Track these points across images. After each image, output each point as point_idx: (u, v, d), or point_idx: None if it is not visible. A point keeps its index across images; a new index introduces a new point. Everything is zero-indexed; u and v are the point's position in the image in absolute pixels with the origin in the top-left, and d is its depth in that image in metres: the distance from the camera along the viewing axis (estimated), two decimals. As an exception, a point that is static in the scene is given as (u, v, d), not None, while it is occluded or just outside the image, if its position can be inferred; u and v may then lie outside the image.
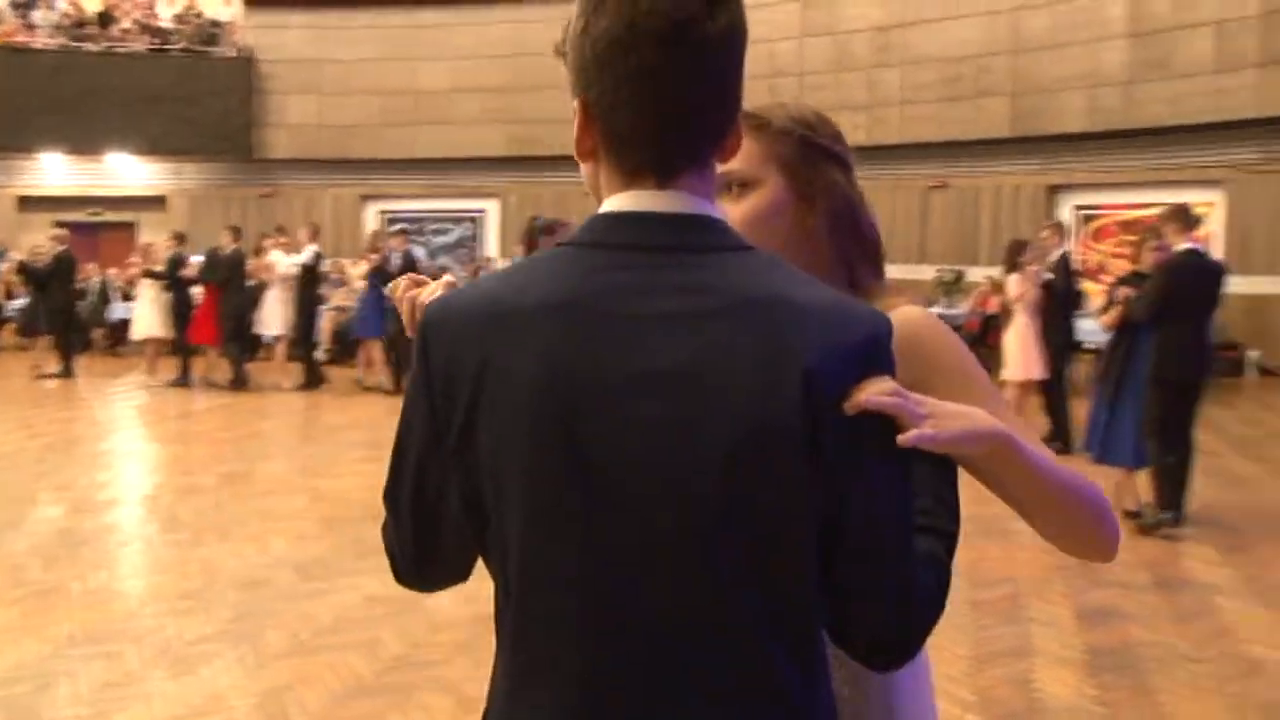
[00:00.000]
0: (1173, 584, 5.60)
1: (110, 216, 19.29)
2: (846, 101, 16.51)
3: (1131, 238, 14.04)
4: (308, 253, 12.26)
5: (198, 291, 12.55)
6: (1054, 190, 15.58)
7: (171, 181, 19.65)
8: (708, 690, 1.13)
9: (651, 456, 1.09)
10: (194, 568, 5.82)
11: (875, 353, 1.13)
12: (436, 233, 19.30)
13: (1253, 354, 13.51)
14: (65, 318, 13.26)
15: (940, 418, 1.16)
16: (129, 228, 19.45)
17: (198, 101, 18.44)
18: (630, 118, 1.16)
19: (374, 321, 12.27)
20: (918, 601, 1.18)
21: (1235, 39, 13.30)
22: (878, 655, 1.21)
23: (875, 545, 1.14)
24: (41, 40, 18.97)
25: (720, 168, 1.25)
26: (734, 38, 1.16)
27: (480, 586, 4.70)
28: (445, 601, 5.21)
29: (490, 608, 3.97)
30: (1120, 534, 1.39)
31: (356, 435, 9.70)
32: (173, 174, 19.61)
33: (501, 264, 17.25)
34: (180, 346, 12.82)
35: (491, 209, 19.38)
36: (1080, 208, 15.51)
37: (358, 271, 15.01)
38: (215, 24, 19.66)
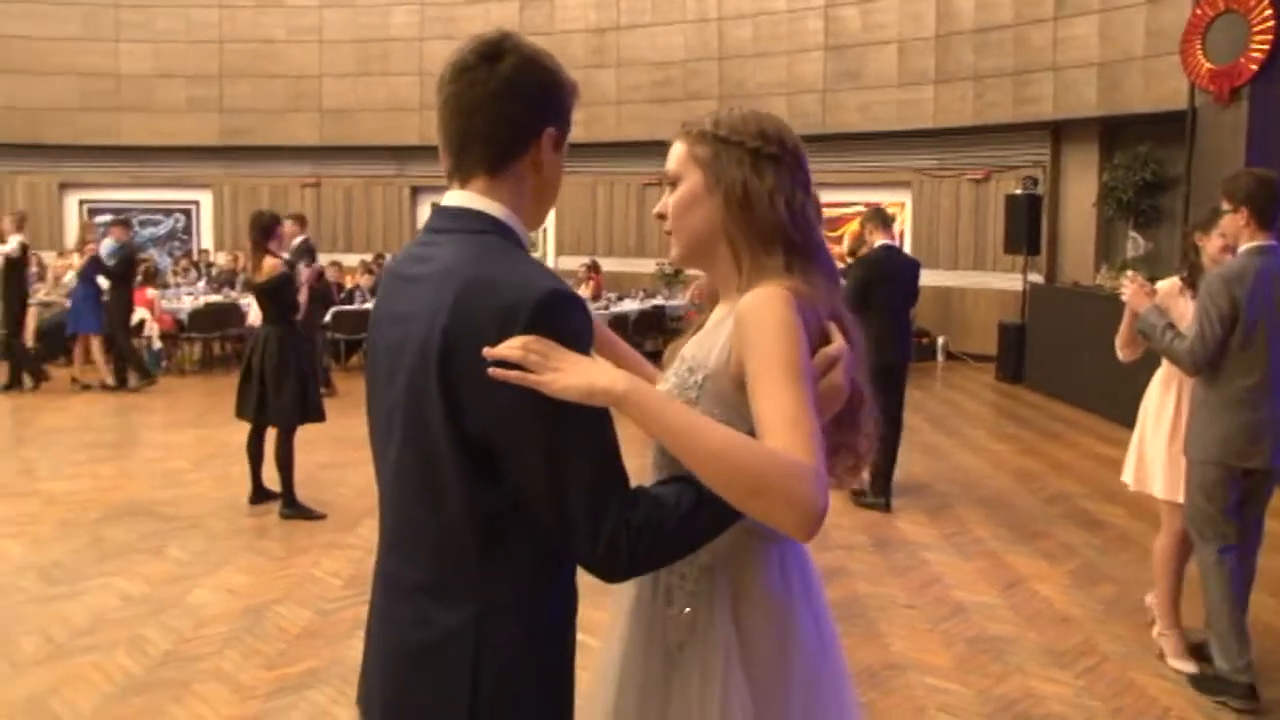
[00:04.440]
0: (889, 544, 6.32)
1: None
2: (564, 100, 16.94)
3: (831, 234, 15.27)
4: (12, 243, 11.41)
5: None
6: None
7: None
8: (409, 537, 1.64)
9: (388, 366, 1.65)
10: (-80, 579, 5.54)
11: (512, 316, 1.46)
12: (145, 224, 18.35)
13: (941, 340, 15.00)
14: None
15: (561, 371, 1.43)
16: None
17: None
18: (442, 138, 1.68)
19: (90, 317, 11.67)
20: (602, 533, 1.45)
21: (915, 57, 14.68)
22: (591, 572, 1.52)
23: (528, 477, 1.48)
24: None
25: (666, 169, 1.84)
26: (509, 84, 1.60)
27: (246, 582, 4.94)
28: (211, 596, 5.27)
29: (252, 600, 4.33)
30: (805, 517, 1.47)
31: (79, 436, 9.27)
32: None
33: (221, 258, 16.69)
34: None
35: (205, 200, 18.64)
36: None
37: (62, 263, 14.18)
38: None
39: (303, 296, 6.90)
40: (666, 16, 16.51)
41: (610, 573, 1.51)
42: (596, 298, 14.14)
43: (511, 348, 1.43)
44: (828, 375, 1.68)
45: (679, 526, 1.50)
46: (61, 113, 17.57)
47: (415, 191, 18.46)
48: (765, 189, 1.76)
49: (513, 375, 1.42)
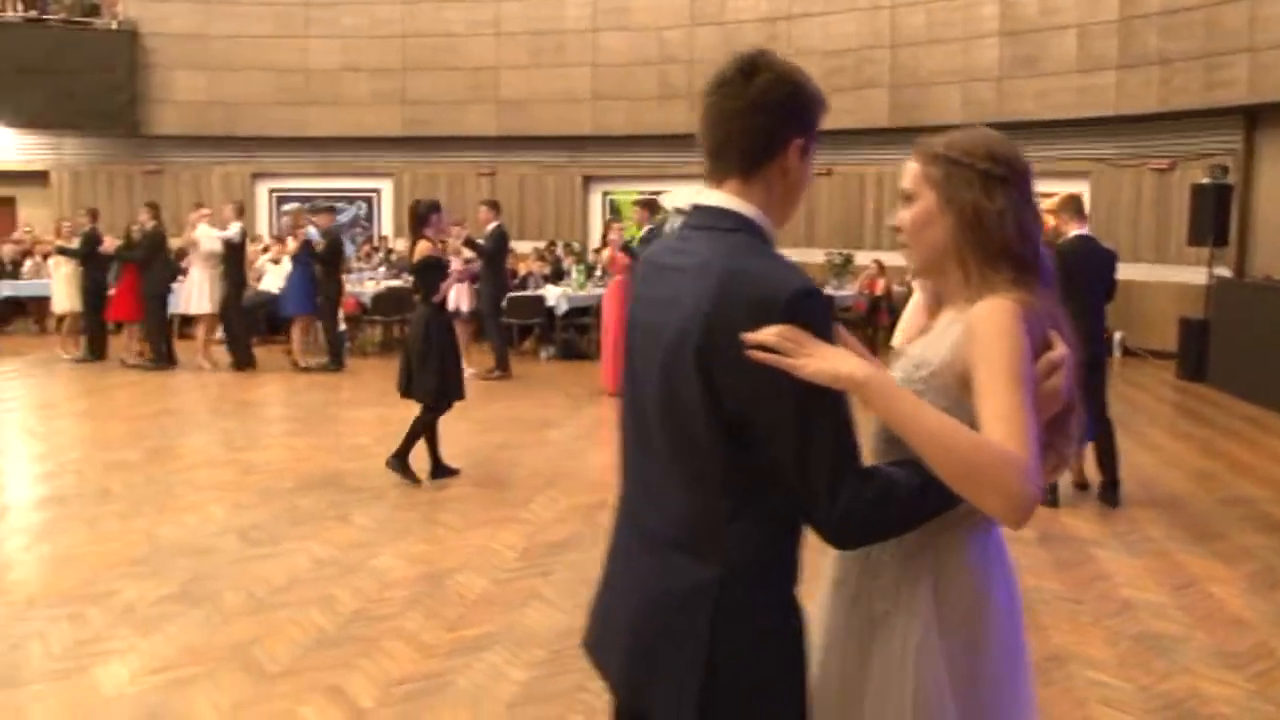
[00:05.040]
0: (1055, 539, 6.24)
1: (-13, 191, 18.79)
2: (735, 89, 17.01)
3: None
4: (233, 229, 12.20)
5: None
6: (932, 179, 16.35)
7: (52, 156, 19.16)
8: (664, 496, 1.80)
9: (643, 349, 1.84)
10: (137, 537, 6.04)
11: (768, 307, 1.63)
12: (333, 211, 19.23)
13: (1118, 335, 14.50)
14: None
15: (811, 358, 1.61)
16: (8, 204, 18.95)
17: (79, 74, 17.97)
18: (702, 142, 1.85)
19: (302, 299, 12.34)
20: (839, 503, 1.63)
21: (1097, 42, 14.23)
22: (825, 538, 1.72)
23: (778, 449, 1.66)
24: (-91, 7, 18.31)
25: (901, 185, 1.96)
26: (763, 98, 1.77)
27: (425, 550, 5.26)
28: (393, 562, 5.60)
29: (432, 567, 4.64)
30: (1015, 505, 1.62)
31: (274, 410, 9.89)
32: (53, 149, 19.12)
33: (400, 244, 17.38)
34: (92, 323, 12.79)
35: (385, 188, 19.45)
36: (957, 195, 16.33)
37: (253, 248, 15.02)
38: (96, -6, 19.21)
39: (446, 285, 7.20)
40: (838, 4, 16.41)
41: (842, 538, 1.73)
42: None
43: (769, 334, 1.61)
44: (1050, 379, 1.82)
45: (904, 503, 1.68)
46: (255, 106, 18.57)
47: (587, 180, 18.82)
48: (995, 209, 1.87)
49: (769, 359, 1.61)
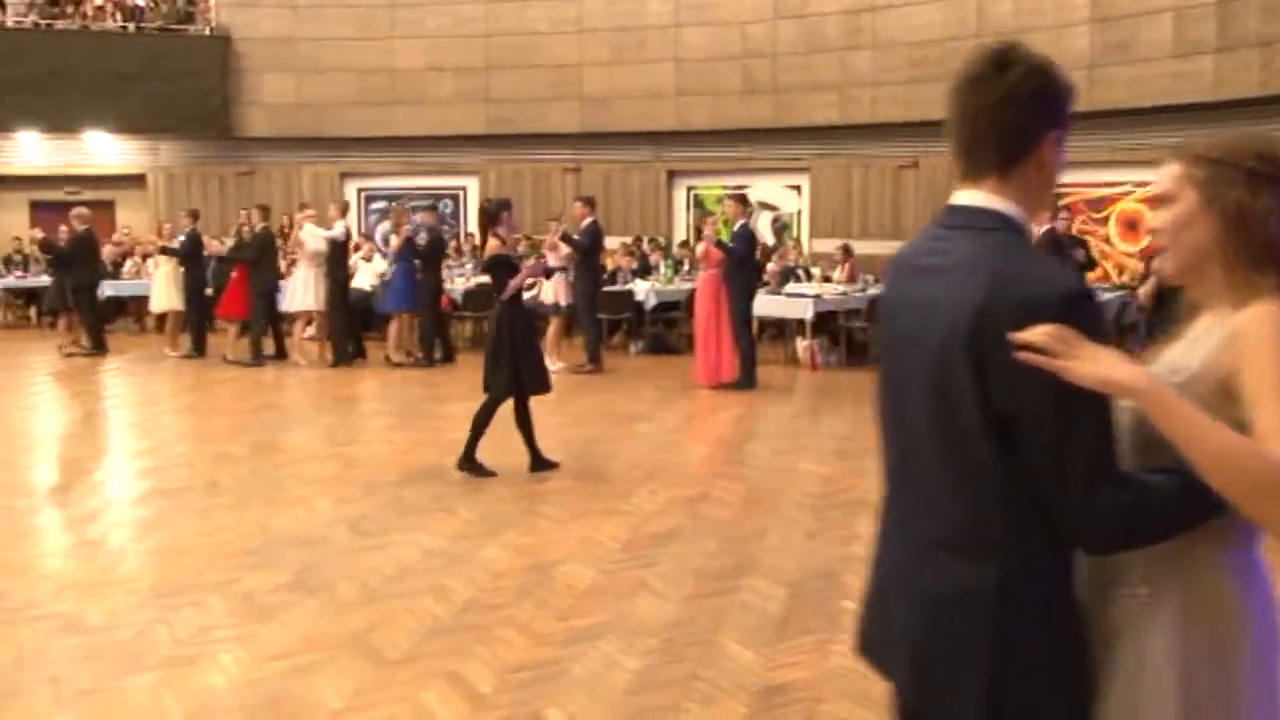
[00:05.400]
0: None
1: (88, 195, 19.27)
2: (819, 82, 16.96)
3: (1096, 215, 14.68)
4: (338, 228, 12.46)
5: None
6: (1020, 169, 16.12)
7: (149, 160, 19.68)
8: (933, 497, 1.81)
9: (908, 347, 1.82)
10: (249, 528, 6.20)
11: (1040, 307, 1.62)
12: (417, 209, 19.52)
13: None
14: (91, 296, 13.49)
15: (1083, 360, 1.58)
16: (108, 206, 19.49)
17: (174, 80, 18.43)
18: (953, 139, 1.84)
19: (402, 296, 12.53)
20: (1094, 504, 1.62)
21: (1193, 25, 13.89)
22: (1076, 540, 1.71)
23: (1038, 448, 1.65)
24: (12, 18, 18.90)
25: (1159, 188, 1.88)
26: (1017, 91, 1.75)
27: (531, 541, 5.32)
28: (501, 553, 5.70)
29: (539, 558, 4.69)
30: None
31: (373, 406, 10.08)
32: (150, 152, 19.63)
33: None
34: (194, 321, 13.18)
35: (471, 186, 19.64)
36: (1047, 186, 16.07)
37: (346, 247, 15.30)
38: (190, 1, 19.67)
39: (515, 281, 7.26)
40: (923, -6, 16.23)
41: (1095, 543, 1.70)
42: (852, 280, 14.08)
43: (1039, 334, 1.60)
44: None
45: (1162, 511, 1.65)
46: (341, 107, 18.88)
47: (671, 175, 18.85)
48: (1261, 209, 1.78)
49: (1040, 360, 1.59)
